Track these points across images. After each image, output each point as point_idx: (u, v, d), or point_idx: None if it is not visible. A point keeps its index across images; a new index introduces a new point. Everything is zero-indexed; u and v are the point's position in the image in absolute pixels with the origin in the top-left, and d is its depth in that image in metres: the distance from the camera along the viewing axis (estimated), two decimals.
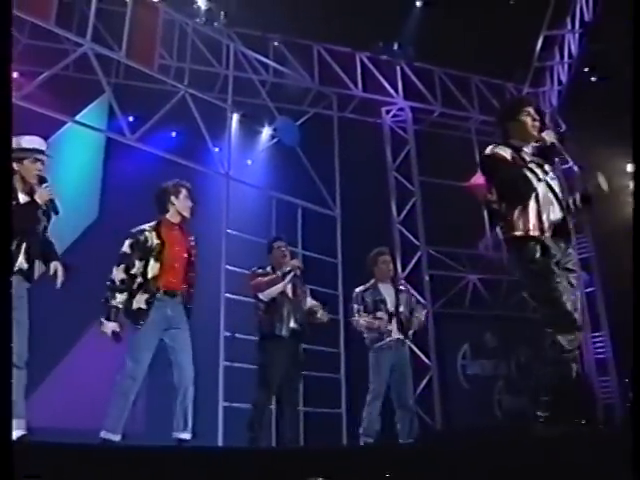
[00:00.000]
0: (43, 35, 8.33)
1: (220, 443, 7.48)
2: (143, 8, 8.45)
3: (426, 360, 10.08)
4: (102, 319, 4.70)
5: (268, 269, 6.23)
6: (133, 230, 4.95)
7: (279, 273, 6.12)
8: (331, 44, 10.67)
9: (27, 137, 4.49)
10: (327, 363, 8.82)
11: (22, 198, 4.36)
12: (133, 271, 4.79)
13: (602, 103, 10.57)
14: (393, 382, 6.39)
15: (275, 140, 9.99)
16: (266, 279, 6.09)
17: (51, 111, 7.63)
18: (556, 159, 4.28)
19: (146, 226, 4.96)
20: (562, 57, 11.38)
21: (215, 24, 9.53)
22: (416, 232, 10.65)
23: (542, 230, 3.98)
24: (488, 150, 4.25)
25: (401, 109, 11.34)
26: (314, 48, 10.61)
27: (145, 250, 4.83)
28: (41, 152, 4.50)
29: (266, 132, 10.31)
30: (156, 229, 4.95)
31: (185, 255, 5.01)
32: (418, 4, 10.39)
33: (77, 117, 8.42)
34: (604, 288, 10.87)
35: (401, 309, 6.61)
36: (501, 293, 10.76)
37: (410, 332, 6.69)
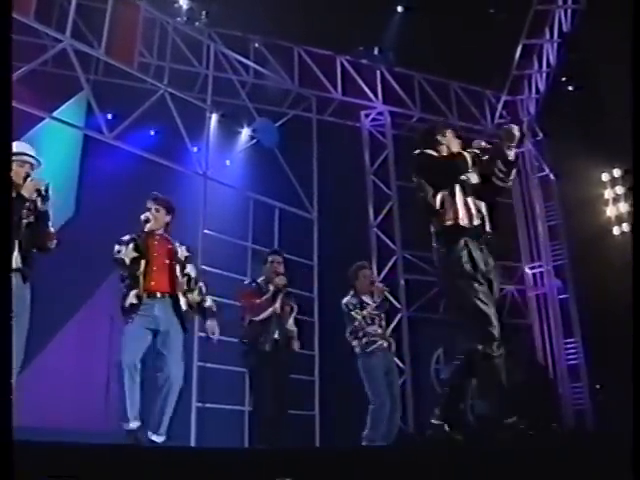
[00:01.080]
0: (22, 30, 8.24)
1: (193, 444, 7.46)
2: (124, 5, 8.41)
3: (400, 364, 10.11)
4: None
5: (260, 281, 6.48)
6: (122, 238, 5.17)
7: (270, 290, 6.32)
8: (312, 47, 10.68)
9: (15, 142, 4.49)
10: (301, 365, 8.83)
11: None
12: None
13: (579, 112, 10.71)
14: (388, 386, 6.52)
15: (254, 141, 9.99)
16: (258, 302, 6.26)
17: (29, 107, 7.57)
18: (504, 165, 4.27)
19: (128, 237, 5.19)
20: (540, 66, 11.49)
21: (196, 23, 9.52)
22: (392, 236, 10.69)
23: (470, 219, 4.11)
24: (417, 150, 4.52)
25: (380, 113, 11.38)
26: (295, 50, 10.62)
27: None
28: (29, 155, 4.50)
29: (245, 133, 10.30)
30: (136, 239, 5.17)
31: (167, 260, 5.19)
32: (399, 9, 10.42)
33: (55, 113, 8.35)
34: (577, 295, 10.97)
35: (382, 316, 6.80)
36: None
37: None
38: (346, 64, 11.07)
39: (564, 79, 11.20)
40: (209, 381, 7.96)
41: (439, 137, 4.50)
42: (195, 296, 5.28)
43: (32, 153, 4.58)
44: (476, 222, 4.13)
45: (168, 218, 5.33)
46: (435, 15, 9.66)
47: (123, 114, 8.39)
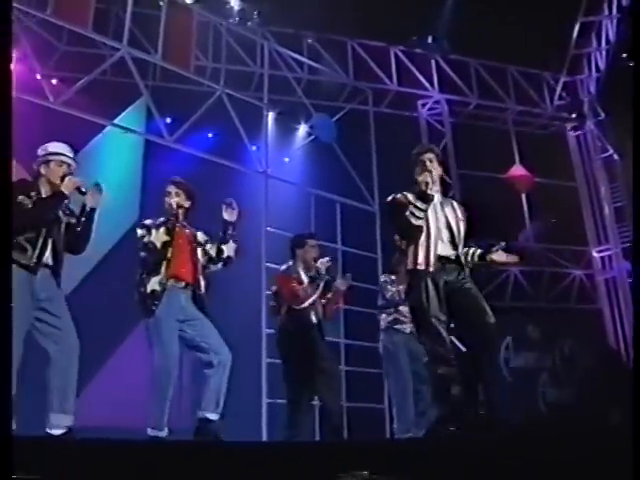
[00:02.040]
0: (80, 41, 8.47)
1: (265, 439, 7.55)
2: (177, 10, 8.55)
3: None
4: None
5: (293, 267, 6.12)
6: (145, 222, 5.03)
7: (305, 277, 6.05)
8: (365, 39, 10.66)
9: (54, 143, 4.54)
10: (368, 358, 8.83)
11: (45, 194, 4.40)
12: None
13: None
14: (415, 375, 6.11)
15: (312, 137, 10.01)
16: (300, 290, 5.95)
17: (90, 115, 7.77)
18: None
19: (150, 221, 5.04)
20: (600, 43, 11.23)
21: (249, 23, 9.59)
22: None
23: (428, 264, 4.51)
24: (390, 197, 4.75)
25: (437, 102, 11.28)
26: (348, 44, 10.62)
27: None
28: (67, 156, 4.54)
29: (302, 129, 10.35)
30: (166, 223, 5.02)
31: (189, 247, 5.02)
32: None
33: (116, 120, 8.56)
34: None
35: None
36: (543, 285, 10.66)
37: None
38: (400, 54, 11.01)
39: (625, 55, 10.90)
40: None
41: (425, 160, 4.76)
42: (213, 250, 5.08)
43: (70, 154, 4.55)
44: (432, 268, 4.52)
45: (188, 204, 5.10)
46: None
47: (182, 117, 8.52)
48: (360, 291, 7.37)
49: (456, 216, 4.79)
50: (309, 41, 10.34)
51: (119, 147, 9.02)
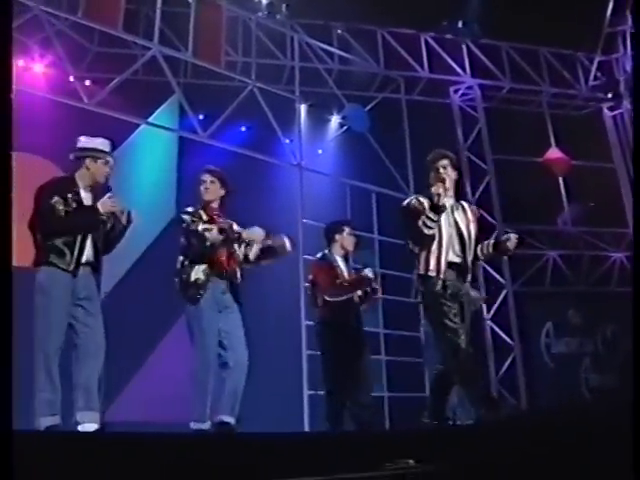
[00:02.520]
0: (112, 42, 8.55)
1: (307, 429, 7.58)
2: (206, 7, 8.58)
3: (508, 340, 9.97)
4: None
5: (335, 254, 6.05)
6: (188, 209, 4.98)
7: (343, 267, 5.96)
8: (394, 27, 10.60)
9: (90, 138, 4.55)
10: (406, 347, 8.83)
11: (84, 196, 4.43)
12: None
13: None
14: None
15: (345, 128, 10.00)
16: (338, 284, 5.88)
17: (124, 115, 7.86)
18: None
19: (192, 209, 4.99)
20: (635, 20, 11.01)
21: (277, 17, 9.60)
22: (492, 211, 10.51)
23: (439, 271, 4.67)
24: (405, 201, 4.93)
25: (470, 87, 11.18)
26: (378, 33, 10.56)
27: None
28: (103, 151, 4.53)
29: (335, 120, 10.35)
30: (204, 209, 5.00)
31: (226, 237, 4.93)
32: None
33: (149, 119, 8.65)
34: None
35: None
36: (583, 268, 10.54)
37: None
38: (431, 41, 10.92)
39: None
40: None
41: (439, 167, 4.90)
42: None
43: (104, 148, 4.55)
44: (442, 275, 4.69)
45: (222, 192, 5.06)
46: None
47: (215, 113, 8.55)
48: (398, 280, 7.36)
49: (467, 219, 4.89)
50: (339, 31, 10.31)
51: (154, 145, 9.11)
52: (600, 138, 11.62)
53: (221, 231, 4.77)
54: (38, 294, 4.21)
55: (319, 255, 6.18)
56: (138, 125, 8.48)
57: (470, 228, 4.87)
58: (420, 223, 4.59)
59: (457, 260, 4.76)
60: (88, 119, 7.39)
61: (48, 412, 4.02)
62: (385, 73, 10.52)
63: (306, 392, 7.91)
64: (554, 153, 11.00)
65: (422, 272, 4.74)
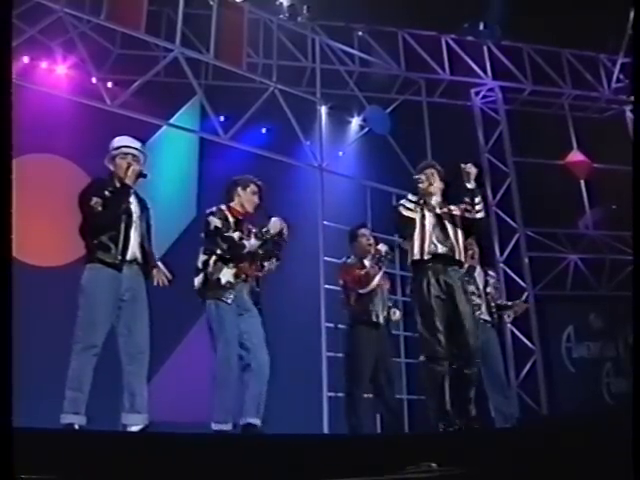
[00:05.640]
0: (134, 44, 8.61)
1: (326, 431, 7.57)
2: (228, 9, 8.61)
3: (529, 344, 9.90)
4: None
5: (353, 259, 6.29)
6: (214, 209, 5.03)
7: (367, 262, 6.18)
8: (415, 29, 10.57)
9: (118, 137, 4.66)
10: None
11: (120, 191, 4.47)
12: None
13: None
14: (482, 366, 5.94)
15: (365, 130, 10.00)
16: (363, 273, 6.10)
17: (146, 116, 7.90)
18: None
19: (218, 207, 5.05)
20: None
21: (299, 19, 9.60)
22: (513, 214, 10.46)
23: (422, 254, 4.87)
24: (397, 202, 5.26)
25: (491, 89, 11.12)
26: (399, 34, 10.53)
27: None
28: (130, 147, 4.60)
29: (356, 122, 10.35)
30: (229, 210, 5.06)
31: None
32: None
33: (171, 120, 8.69)
34: None
35: (489, 290, 6.60)
36: (604, 272, 10.45)
37: (497, 315, 6.63)
38: (452, 43, 10.88)
39: None
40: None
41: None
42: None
43: (133, 145, 4.65)
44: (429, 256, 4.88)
45: (258, 201, 5.20)
46: None
47: (236, 114, 8.58)
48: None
49: (452, 215, 5.06)
50: (359, 33, 10.29)
51: (175, 147, 9.15)
52: (623, 141, 11.52)
53: (257, 239, 4.92)
54: (81, 292, 4.24)
55: (343, 259, 6.43)
56: (160, 126, 8.52)
57: (455, 221, 5.04)
58: (400, 207, 4.90)
59: (442, 250, 4.91)
60: (110, 120, 7.44)
61: (71, 410, 4.06)
62: (406, 75, 10.49)
63: (325, 394, 7.90)
64: (576, 156, 10.92)
65: (410, 260, 4.97)
